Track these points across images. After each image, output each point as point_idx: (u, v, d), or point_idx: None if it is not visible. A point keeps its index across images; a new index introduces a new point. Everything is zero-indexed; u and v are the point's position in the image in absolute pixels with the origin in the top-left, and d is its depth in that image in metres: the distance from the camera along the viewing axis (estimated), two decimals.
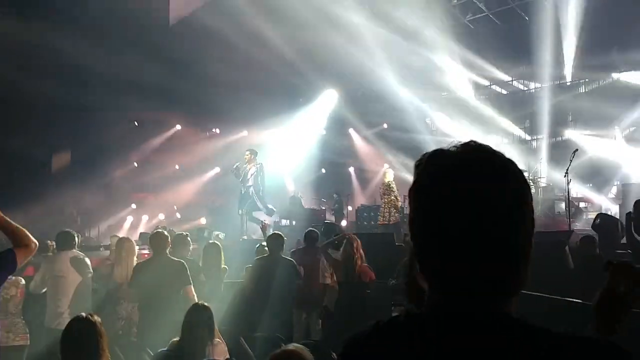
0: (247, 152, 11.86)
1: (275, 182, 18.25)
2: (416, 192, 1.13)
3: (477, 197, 1.04)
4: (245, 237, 11.38)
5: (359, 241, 7.13)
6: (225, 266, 6.88)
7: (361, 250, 7.03)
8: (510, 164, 1.09)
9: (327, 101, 18.72)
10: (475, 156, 1.09)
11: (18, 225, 3.72)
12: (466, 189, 1.05)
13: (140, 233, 11.13)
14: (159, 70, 14.19)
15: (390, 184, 12.07)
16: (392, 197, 11.93)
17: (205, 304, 4.30)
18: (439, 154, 1.12)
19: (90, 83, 14.55)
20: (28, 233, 3.72)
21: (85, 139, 16.94)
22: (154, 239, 6.17)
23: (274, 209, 12.17)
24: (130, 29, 13.50)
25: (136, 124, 18.94)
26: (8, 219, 3.69)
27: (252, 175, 11.58)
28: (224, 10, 13.67)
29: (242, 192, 11.64)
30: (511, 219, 1.05)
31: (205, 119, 19.04)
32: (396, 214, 12.09)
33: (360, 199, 18.51)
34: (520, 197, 1.08)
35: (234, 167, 11.87)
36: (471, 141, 1.12)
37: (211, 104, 16.91)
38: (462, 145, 1.11)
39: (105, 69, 13.98)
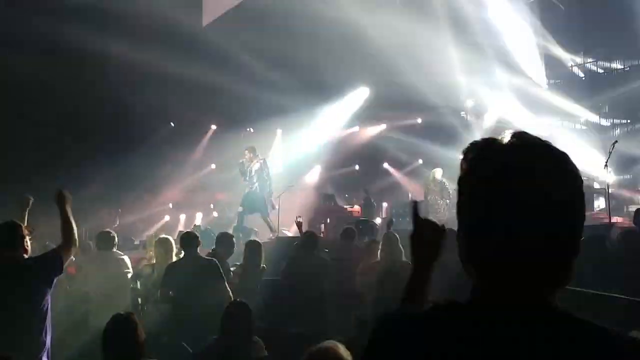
0: (246, 151, 11.58)
1: (307, 180, 18.31)
2: (468, 181, 1.12)
3: (533, 190, 1.04)
4: (277, 235, 11.31)
5: (397, 236, 7.00)
6: (264, 265, 6.83)
7: (400, 246, 6.95)
8: (567, 157, 1.09)
9: (359, 97, 18.59)
10: (532, 149, 1.09)
11: (74, 223, 3.96)
12: (521, 180, 1.04)
13: (179, 231, 11.22)
14: (194, 71, 14.33)
15: (443, 182, 12.06)
16: (445, 194, 11.93)
17: (244, 301, 4.35)
18: (492, 144, 1.11)
19: (130, 84, 14.79)
20: (76, 232, 3.96)
21: (124, 139, 17.18)
22: (183, 238, 6.22)
23: (275, 207, 11.83)
24: (164, 29, 13.62)
25: (172, 124, 19.16)
26: (70, 214, 3.94)
27: (256, 171, 11.34)
28: (256, 10, 13.69)
29: (247, 191, 11.37)
30: (567, 213, 1.06)
31: (239, 119, 19.16)
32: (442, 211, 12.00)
33: (394, 196, 18.33)
34: (576, 191, 1.08)
35: (240, 162, 11.56)
36: (523, 132, 1.11)
37: (245, 104, 17.00)
38: (514, 136, 1.10)
39: (144, 71, 14.15)
